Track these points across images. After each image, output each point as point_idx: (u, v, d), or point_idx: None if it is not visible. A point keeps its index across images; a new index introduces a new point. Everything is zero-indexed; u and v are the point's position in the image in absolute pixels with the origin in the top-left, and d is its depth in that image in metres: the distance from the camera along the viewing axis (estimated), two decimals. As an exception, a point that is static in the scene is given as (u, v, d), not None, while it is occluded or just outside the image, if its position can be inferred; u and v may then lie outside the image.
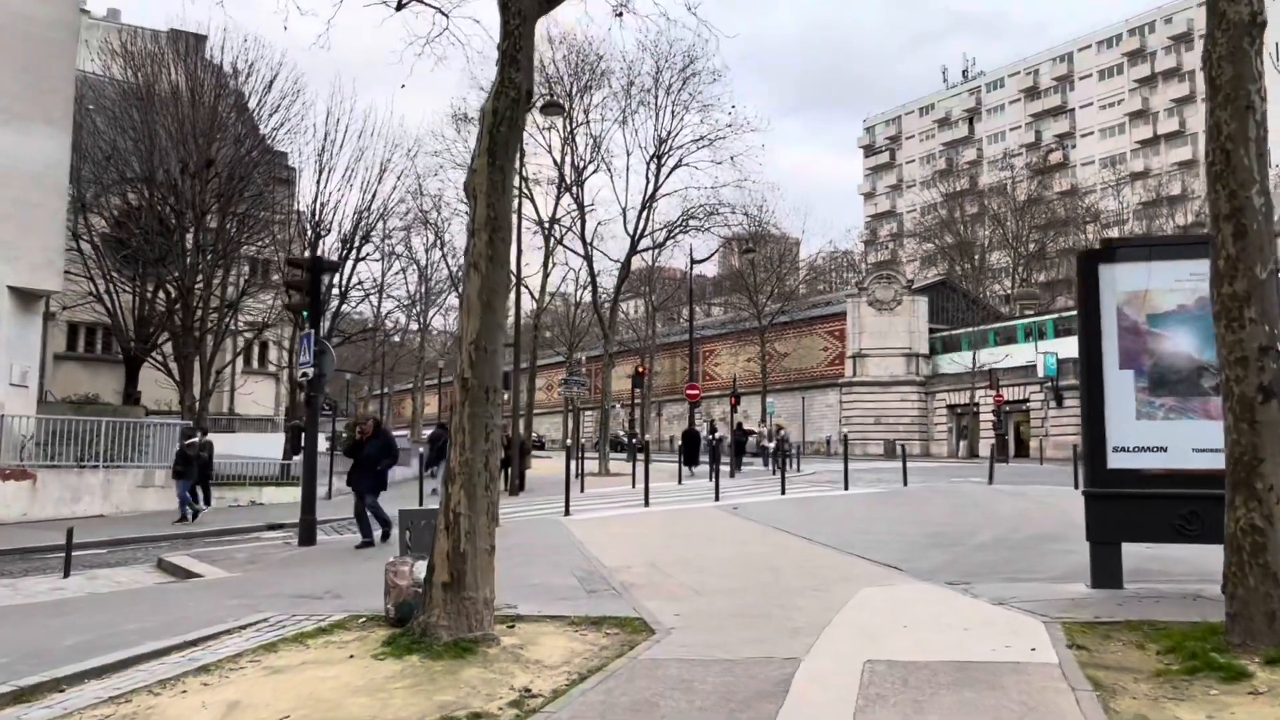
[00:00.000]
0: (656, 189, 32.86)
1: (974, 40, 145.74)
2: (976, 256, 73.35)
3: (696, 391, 36.39)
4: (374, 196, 29.25)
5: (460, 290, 7.61)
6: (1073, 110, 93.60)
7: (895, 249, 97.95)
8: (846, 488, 21.31)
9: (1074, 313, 54.17)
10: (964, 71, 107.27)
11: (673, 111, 32.34)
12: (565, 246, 36.51)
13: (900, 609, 8.21)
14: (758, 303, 55.80)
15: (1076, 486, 20.85)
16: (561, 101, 28.11)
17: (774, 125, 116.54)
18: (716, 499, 19.14)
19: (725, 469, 28.94)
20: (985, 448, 52.87)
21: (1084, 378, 8.86)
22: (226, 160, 28.78)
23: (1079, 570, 9.88)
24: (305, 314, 14.40)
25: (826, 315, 63.23)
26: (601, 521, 16.25)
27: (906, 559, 11.00)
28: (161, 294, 30.43)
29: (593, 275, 33.50)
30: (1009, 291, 72.18)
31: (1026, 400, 51.45)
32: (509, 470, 25.45)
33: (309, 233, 29.17)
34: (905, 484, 22.42)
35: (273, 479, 26.92)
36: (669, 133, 32.72)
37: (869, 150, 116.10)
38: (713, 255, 39.38)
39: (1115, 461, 8.65)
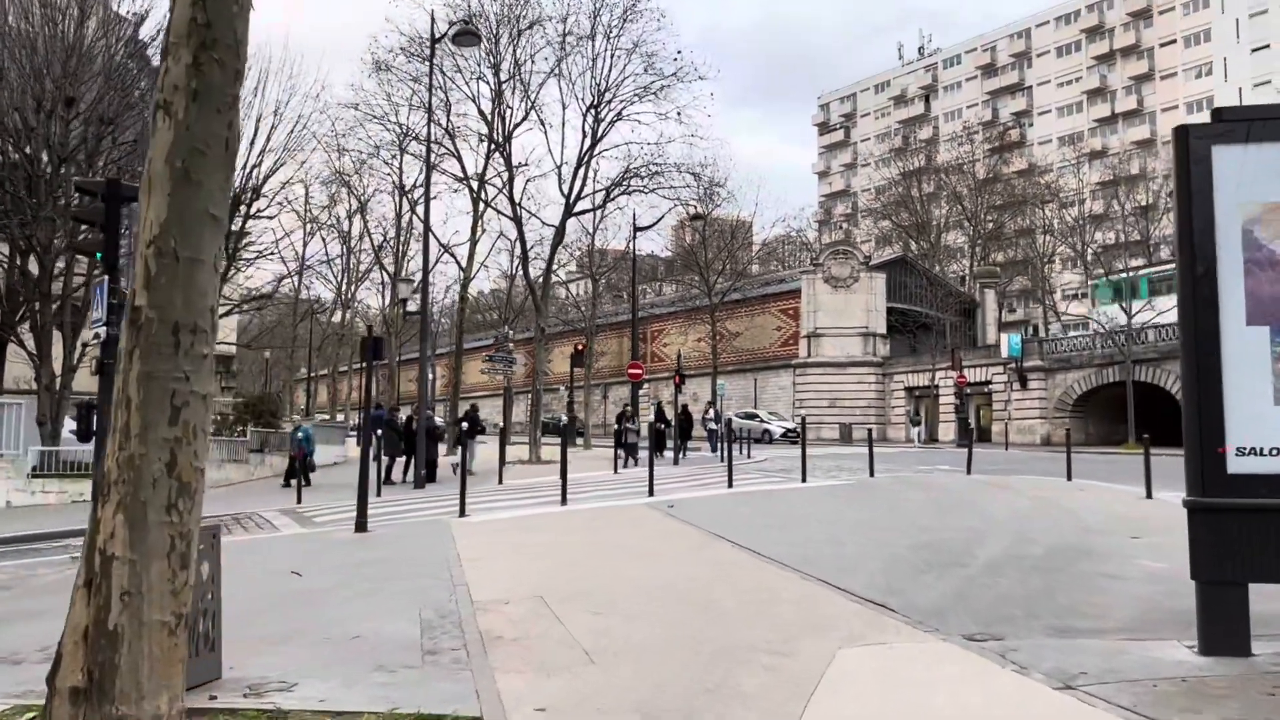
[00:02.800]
0: (595, 144, 29.47)
1: (928, 31, 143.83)
2: (933, 235, 71.00)
3: (639, 371, 33.19)
4: (263, 148, 25.25)
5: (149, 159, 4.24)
6: (1030, 88, 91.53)
7: (850, 228, 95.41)
8: (804, 479, 18.18)
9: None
10: (920, 49, 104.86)
11: (612, 56, 28.95)
12: (496, 210, 33.01)
13: (906, 698, 5.02)
14: (708, 279, 52.64)
15: (1069, 478, 18.01)
16: (480, 34, 24.51)
17: (729, 115, 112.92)
18: (650, 494, 15.91)
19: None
20: (944, 431, 50.46)
21: (1187, 337, 5.71)
22: (94, 99, 24.78)
23: (1152, 612, 6.81)
24: (100, 256, 10.83)
25: (780, 293, 60.26)
26: (499, 526, 12.93)
27: (895, 589, 7.84)
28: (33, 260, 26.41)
29: (522, 238, 30.04)
30: (965, 272, 69.99)
31: (989, 382, 48.96)
32: (412, 460, 22.06)
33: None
34: (872, 474, 19.38)
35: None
36: (609, 81, 29.33)
37: (824, 128, 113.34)
38: (659, 222, 36.18)
39: (1241, 466, 5.52)
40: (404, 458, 23.30)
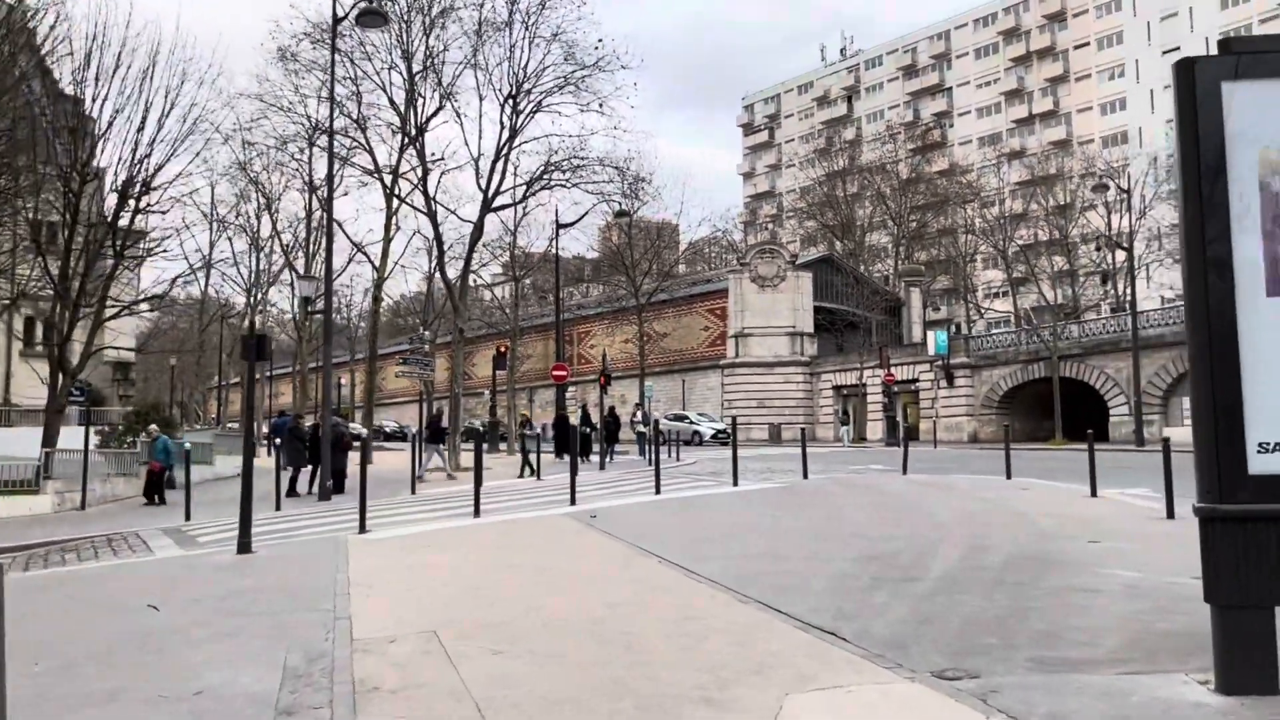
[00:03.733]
0: (513, 136, 28.18)
1: (850, 33, 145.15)
2: (858, 234, 71.23)
3: (564, 372, 31.99)
4: (154, 137, 23.32)
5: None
6: (950, 89, 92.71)
7: (775, 229, 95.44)
8: (736, 483, 17.21)
9: None
10: (842, 50, 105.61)
11: (531, 44, 27.70)
12: (411, 206, 31.44)
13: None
14: (634, 279, 51.64)
15: (1009, 476, 17.36)
16: (387, 15, 23.02)
17: (654, 120, 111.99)
18: (572, 503, 14.75)
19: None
20: (872, 430, 50.25)
21: (1196, 312, 4.78)
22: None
23: (1144, 635, 5.91)
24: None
25: (707, 293, 59.62)
26: (401, 544, 11.63)
27: (846, 612, 6.83)
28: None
29: (438, 234, 28.51)
30: (889, 271, 70.29)
31: (916, 380, 48.87)
32: (316, 470, 20.56)
33: (74, 179, 23.17)
34: (805, 476, 18.52)
35: (17, 485, 21.14)
36: (527, 71, 28.08)
37: (748, 129, 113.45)
38: (583, 218, 34.94)
39: (1265, 465, 4.60)
40: (310, 468, 21.72)
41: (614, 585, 8.17)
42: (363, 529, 12.71)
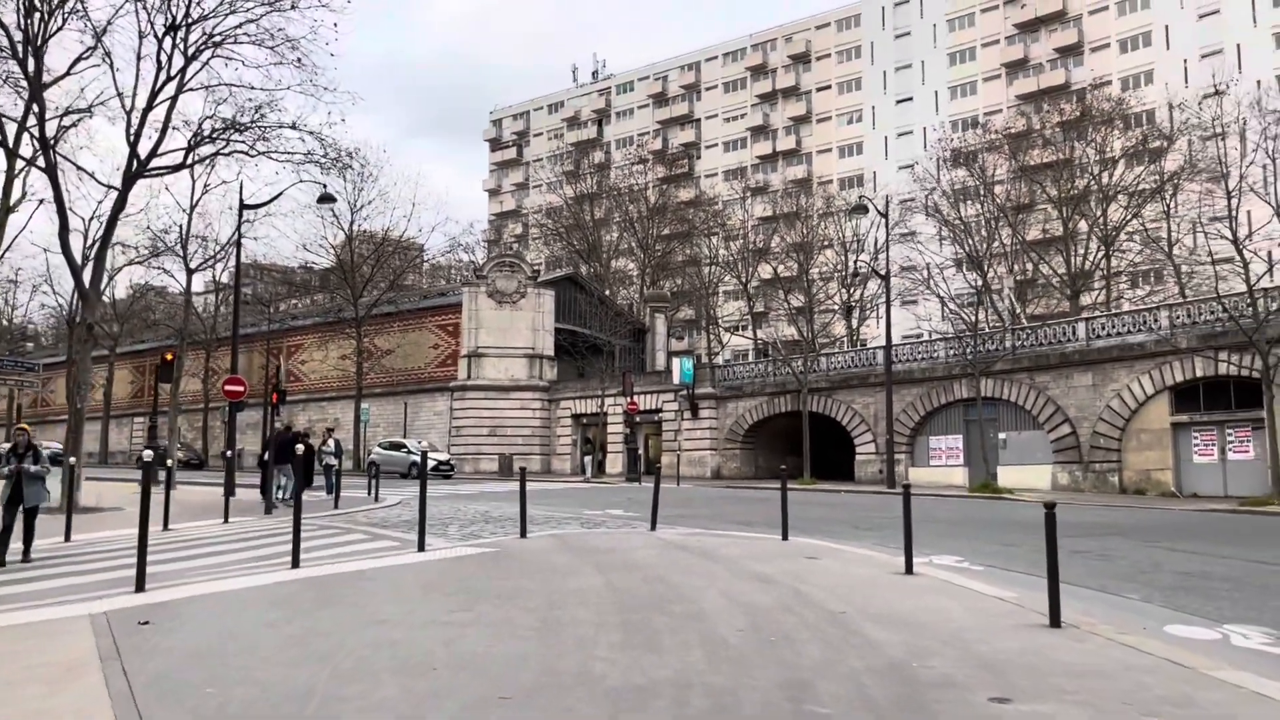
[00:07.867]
0: (180, 78, 21.71)
1: (602, 57, 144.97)
2: (605, 258, 68.34)
3: (240, 389, 25.50)
4: None
5: None
6: (699, 120, 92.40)
7: (521, 249, 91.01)
8: (421, 547, 12.12)
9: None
10: (594, 73, 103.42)
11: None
12: (38, 168, 23.95)
13: None
14: (354, 284, 45.28)
15: (785, 537, 13.40)
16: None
17: (405, 146, 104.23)
18: (139, 588, 9.08)
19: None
20: (612, 463, 46.50)
21: None
22: None
23: None
24: None
25: (440, 306, 53.93)
26: None
27: None
28: None
29: (58, 195, 21.25)
30: (634, 298, 67.74)
31: (659, 410, 45.57)
32: None
33: None
34: (524, 535, 13.73)
35: None
36: (201, 3, 21.71)
37: (495, 144, 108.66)
38: (277, 198, 28.62)
39: None
40: None
41: None
42: None
